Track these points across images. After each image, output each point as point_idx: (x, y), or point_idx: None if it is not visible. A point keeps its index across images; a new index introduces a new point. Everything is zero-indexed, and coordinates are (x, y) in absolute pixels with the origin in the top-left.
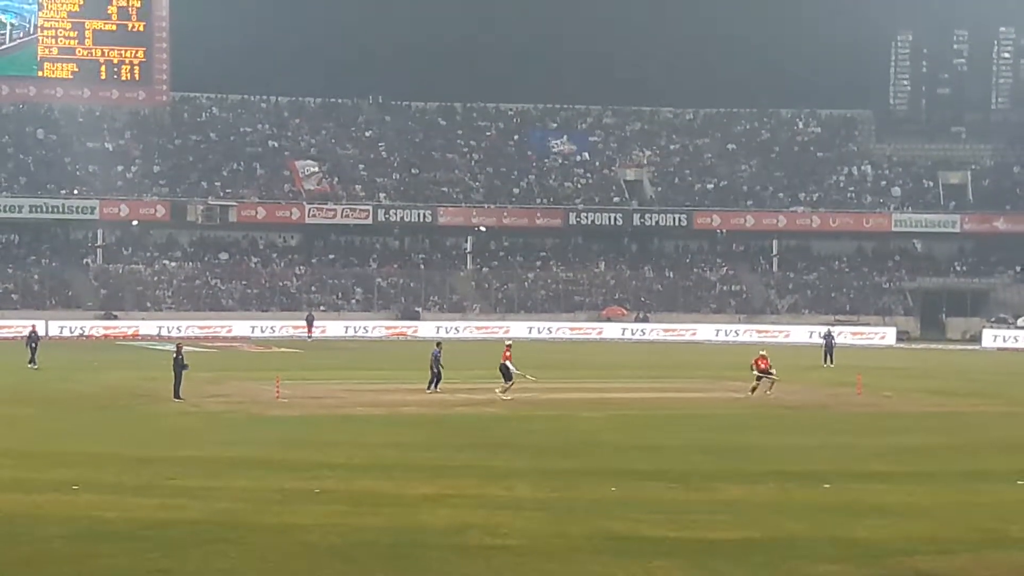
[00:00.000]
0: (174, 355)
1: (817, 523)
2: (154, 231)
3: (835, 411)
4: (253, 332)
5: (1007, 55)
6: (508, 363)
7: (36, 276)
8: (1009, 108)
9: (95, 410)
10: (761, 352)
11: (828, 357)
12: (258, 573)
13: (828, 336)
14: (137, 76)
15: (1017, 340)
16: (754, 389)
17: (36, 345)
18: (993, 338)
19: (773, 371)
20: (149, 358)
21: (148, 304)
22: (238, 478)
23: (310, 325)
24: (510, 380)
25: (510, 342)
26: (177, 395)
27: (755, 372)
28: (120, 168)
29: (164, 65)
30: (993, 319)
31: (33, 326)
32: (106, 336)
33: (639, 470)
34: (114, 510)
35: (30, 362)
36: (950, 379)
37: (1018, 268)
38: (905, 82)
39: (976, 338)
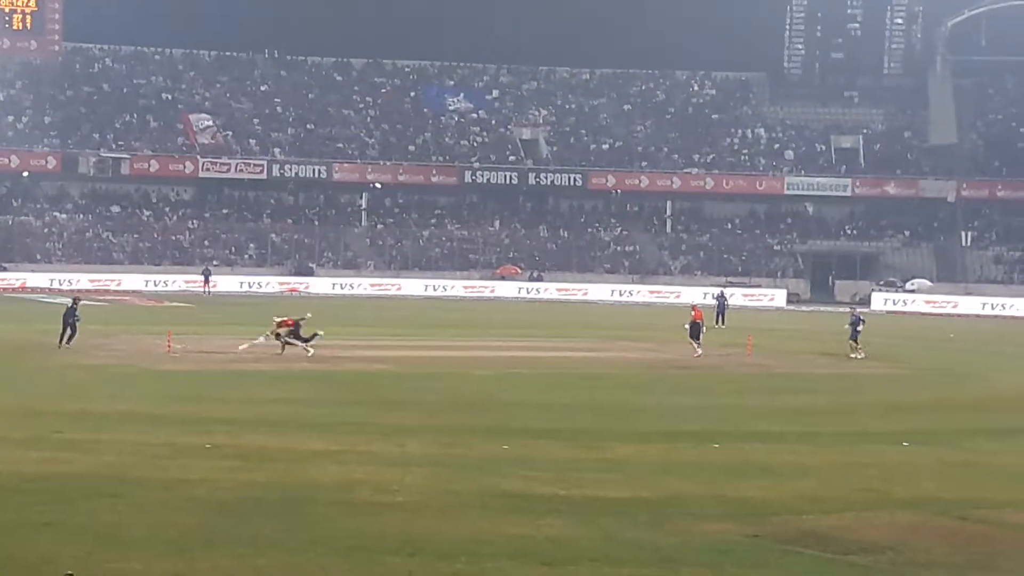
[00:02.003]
0: (70, 306)
1: (704, 482)
2: (45, 183)
3: (726, 372)
4: (146, 286)
5: (900, 20)
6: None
7: None
8: (901, 73)
9: None
10: (693, 304)
11: (720, 318)
12: (145, 527)
13: (721, 297)
14: (29, 25)
15: (905, 303)
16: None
17: None
18: (883, 301)
19: (703, 329)
20: (38, 311)
21: (38, 256)
22: (126, 432)
23: (206, 279)
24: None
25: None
26: (60, 344)
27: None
28: (11, 119)
29: (57, 15)
30: (882, 282)
31: None
32: None
33: (530, 428)
34: None
35: None
36: (837, 342)
37: (907, 232)
38: (799, 46)
39: (865, 301)
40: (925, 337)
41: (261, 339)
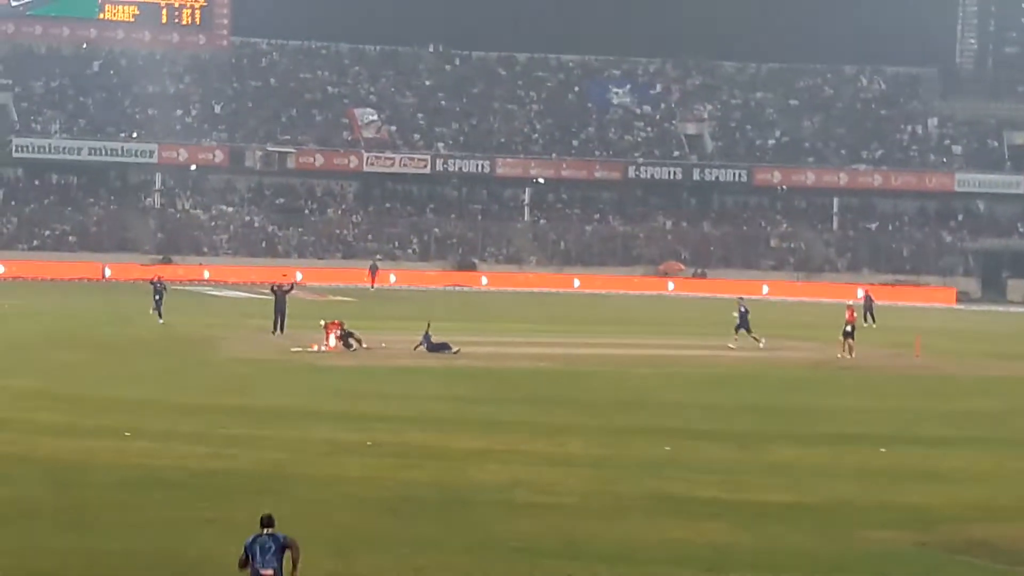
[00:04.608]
0: (282, 288)
1: (869, 488)
2: (212, 176)
3: (893, 373)
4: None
5: None
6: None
7: (94, 219)
8: None
9: (150, 356)
10: (848, 304)
11: (868, 316)
12: (305, 524)
13: (867, 297)
14: (198, 20)
15: None
16: (849, 349)
17: (162, 296)
18: None
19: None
20: (203, 304)
21: (205, 249)
22: (289, 428)
23: (373, 274)
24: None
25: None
26: (275, 332)
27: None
28: (179, 112)
29: (225, 10)
30: None
31: (158, 275)
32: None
33: (693, 429)
34: (165, 458)
35: (156, 313)
36: (1010, 342)
37: None
38: (972, 40)
39: None
40: None
41: (321, 347)
